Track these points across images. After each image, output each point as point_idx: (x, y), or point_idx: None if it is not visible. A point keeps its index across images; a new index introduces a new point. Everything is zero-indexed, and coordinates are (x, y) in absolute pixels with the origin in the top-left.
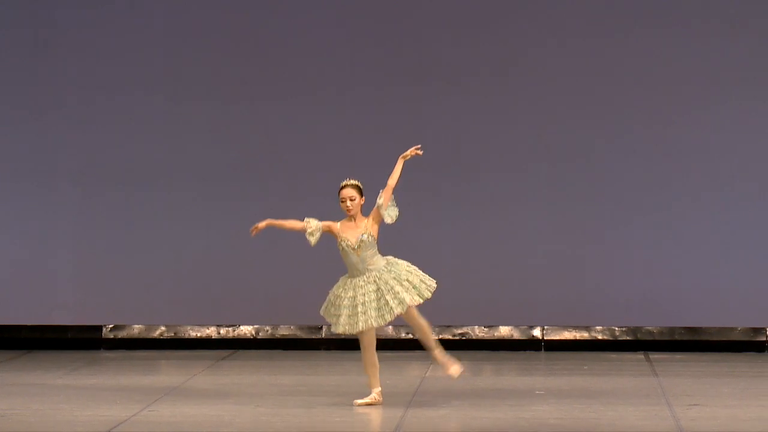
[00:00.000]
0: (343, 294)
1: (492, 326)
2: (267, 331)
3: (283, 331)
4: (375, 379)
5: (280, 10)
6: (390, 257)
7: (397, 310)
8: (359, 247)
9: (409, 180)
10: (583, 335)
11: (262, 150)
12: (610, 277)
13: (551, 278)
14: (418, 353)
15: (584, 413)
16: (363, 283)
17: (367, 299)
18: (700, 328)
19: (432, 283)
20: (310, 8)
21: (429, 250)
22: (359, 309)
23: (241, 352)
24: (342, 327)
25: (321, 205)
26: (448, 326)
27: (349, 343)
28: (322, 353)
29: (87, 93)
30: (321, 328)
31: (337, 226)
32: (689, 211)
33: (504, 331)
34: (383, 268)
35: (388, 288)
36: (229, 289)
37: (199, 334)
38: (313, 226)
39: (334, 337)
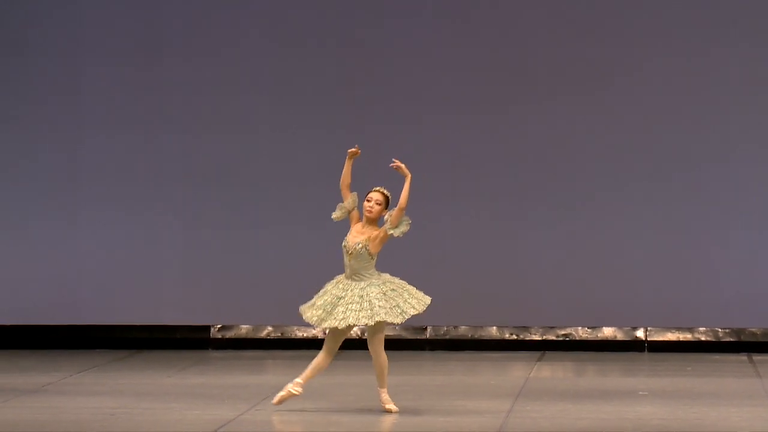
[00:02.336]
0: (330, 289)
1: (595, 327)
2: None
3: (388, 331)
4: (307, 373)
5: (391, 12)
6: (386, 275)
7: (364, 322)
8: (352, 253)
9: (514, 181)
10: (686, 336)
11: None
12: (713, 279)
13: (655, 279)
14: (522, 353)
15: (687, 414)
16: (352, 286)
17: (348, 301)
18: None
19: (419, 307)
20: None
21: (533, 251)
22: (338, 309)
23: (346, 353)
24: (312, 318)
25: (429, 207)
26: (552, 327)
27: (454, 344)
28: (427, 353)
29: (192, 97)
30: (425, 328)
31: (355, 221)
32: None
33: (607, 332)
34: (374, 281)
35: (370, 298)
36: None
37: (305, 335)
38: (347, 204)
39: (438, 337)
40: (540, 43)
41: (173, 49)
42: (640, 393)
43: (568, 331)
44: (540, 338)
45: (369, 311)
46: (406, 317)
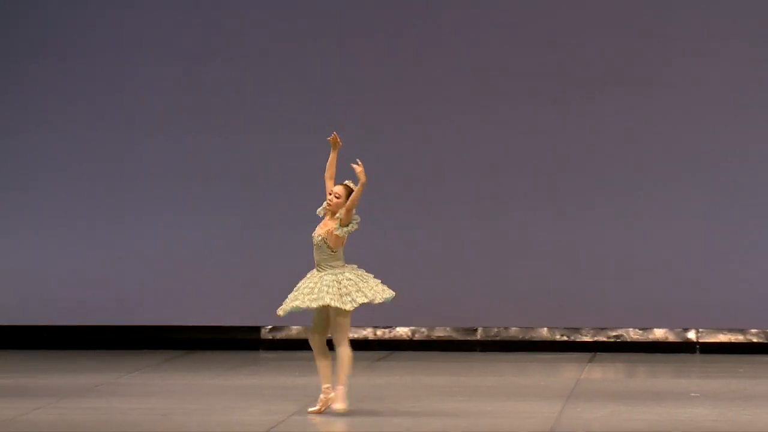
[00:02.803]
0: (302, 283)
1: (647, 328)
2: (423, 332)
3: (439, 332)
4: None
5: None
6: (351, 266)
7: (307, 304)
8: (315, 244)
9: (566, 183)
10: (737, 338)
11: (425, 154)
12: (765, 280)
13: (706, 280)
14: (573, 355)
15: (739, 416)
16: (315, 276)
17: (303, 287)
18: None
19: (371, 295)
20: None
21: (585, 253)
22: (292, 295)
23: (397, 353)
24: (286, 306)
25: (479, 206)
26: (603, 328)
27: (505, 345)
28: (478, 354)
29: (257, 97)
30: (476, 330)
31: (323, 212)
32: None
33: (659, 333)
34: (336, 272)
35: (321, 285)
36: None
37: (356, 336)
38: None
39: (489, 339)
40: (562, 44)
41: (214, 49)
42: (692, 395)
43: (619, 332)
44: (591, 339)
45: (316, 295)
46: (355, 305)
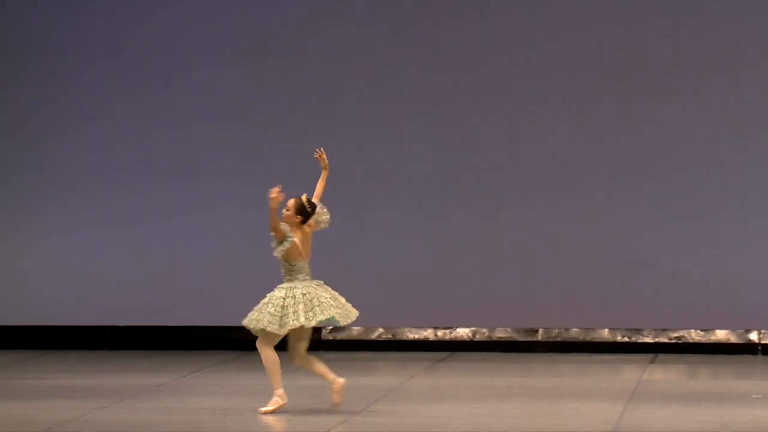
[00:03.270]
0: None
1: (708, 330)
2: (484, 333)
3: (500, 333)
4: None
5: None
6: (300, 283)
7: (302, 323)
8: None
9: (624, 183)
10: None
11: (466, 154)
12: None
13: None
14: (634, 356)
15: None
16: (289, 288)
17: (294, 301)
18: None
19: (274, 326)
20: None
21: (646, 253)
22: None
23: (457, 354)
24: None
25: (540, 208)
26: (664, 329)
27: (566, 346)
28: (539, 356)
29: (302, 97)
30: (537, 330)
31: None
32: None
33: (720, 334)
34: (283, 286)
35: (311, 298)
36: (447, 290)
37: (416, 336)
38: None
39: (550, 340)
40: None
41: (277, 49)
42: (754, 396)
43: (680, 333)
44: (652, 341)
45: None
46: (258, 326)
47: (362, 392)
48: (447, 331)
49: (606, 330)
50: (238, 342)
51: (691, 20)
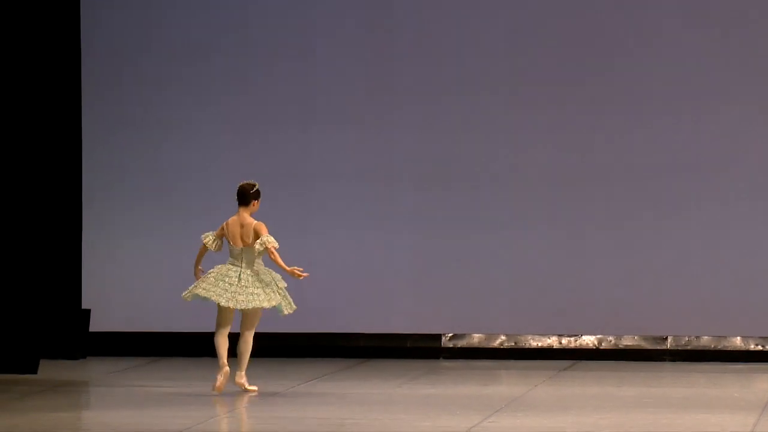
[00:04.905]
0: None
1: None
2: (610, 341)
3: (627, 341)
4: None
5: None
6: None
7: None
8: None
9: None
10: None
11: (603, 155)
12: None
13: None
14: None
15: None
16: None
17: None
18: None
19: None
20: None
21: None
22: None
23: (582, 363)
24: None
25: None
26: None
27: (696, 355)
28: (667, 364)
29: (426, 96)
30: (666, 338)
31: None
32: None
33: None
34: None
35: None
36: (571, 297)
37: (540, 344)
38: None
39: (680, 348)
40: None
41: (402, 50)
42: None
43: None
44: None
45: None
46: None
47: (483, 402)
48: (572, 338)
49: (738, 338)
50: (357, 349)
51: None
